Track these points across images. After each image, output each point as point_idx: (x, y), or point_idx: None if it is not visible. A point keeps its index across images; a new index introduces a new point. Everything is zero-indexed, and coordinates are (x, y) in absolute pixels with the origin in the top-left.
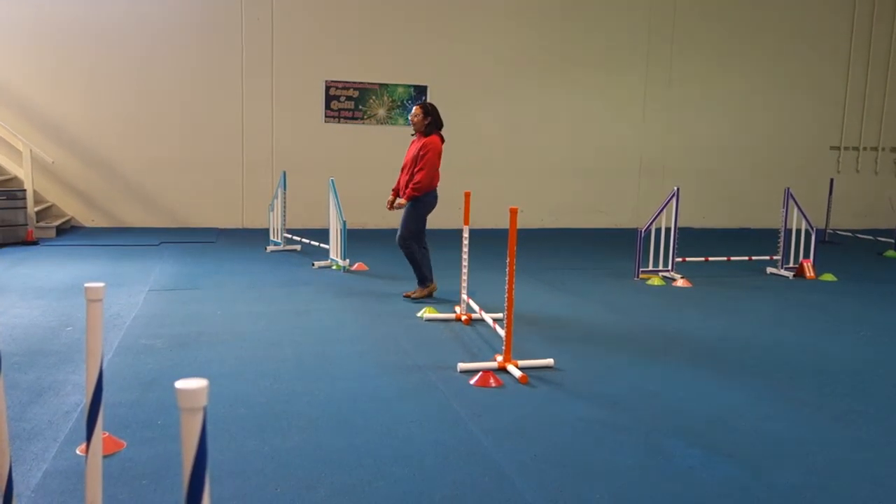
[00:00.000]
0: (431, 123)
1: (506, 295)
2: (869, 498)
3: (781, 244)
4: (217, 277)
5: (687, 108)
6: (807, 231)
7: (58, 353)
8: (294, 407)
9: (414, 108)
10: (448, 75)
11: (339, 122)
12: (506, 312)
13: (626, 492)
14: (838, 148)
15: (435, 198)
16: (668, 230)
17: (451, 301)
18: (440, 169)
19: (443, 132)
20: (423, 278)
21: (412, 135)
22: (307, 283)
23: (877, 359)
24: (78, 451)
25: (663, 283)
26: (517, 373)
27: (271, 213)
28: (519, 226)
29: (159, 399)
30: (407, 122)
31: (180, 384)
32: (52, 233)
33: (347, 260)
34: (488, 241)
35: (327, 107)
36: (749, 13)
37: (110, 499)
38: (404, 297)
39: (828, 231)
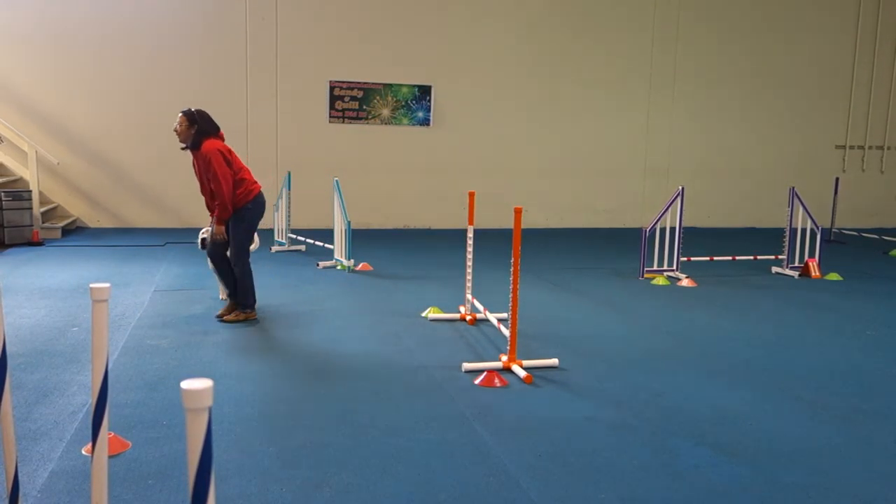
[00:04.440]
0: (200, 131)
1: (510, 295)
2: (875, 497)
3: (787, 243)
4: None
5: (691, 107)
6: (812, 230)
7: (63, 354)
8: (299, 406)
9: (179, 116)
10: (452, 75)
11: (343, 122)
12: (510, 312)
13: (631, 491)
14: (843, 147)
15: (258, 204)
16: (672, 230)
17: (455, 301)
18: (249, 165)
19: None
20: (247, 302)
21: (182, 147)
22: (312, 283)
23: (883, 358)
24: (83, 452)
25: (668, 282)
26: (522, 373)
27: (276, 214)
28: (523, 226)
29: (165, 399)
30: (411, 122)
31: (185, 384)
32: (58, 233)
33: (352, 260)
34: (493, 241)
35: (331, 107)
36: (752, 11)
37: (116, 499)
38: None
39: (833, 230)
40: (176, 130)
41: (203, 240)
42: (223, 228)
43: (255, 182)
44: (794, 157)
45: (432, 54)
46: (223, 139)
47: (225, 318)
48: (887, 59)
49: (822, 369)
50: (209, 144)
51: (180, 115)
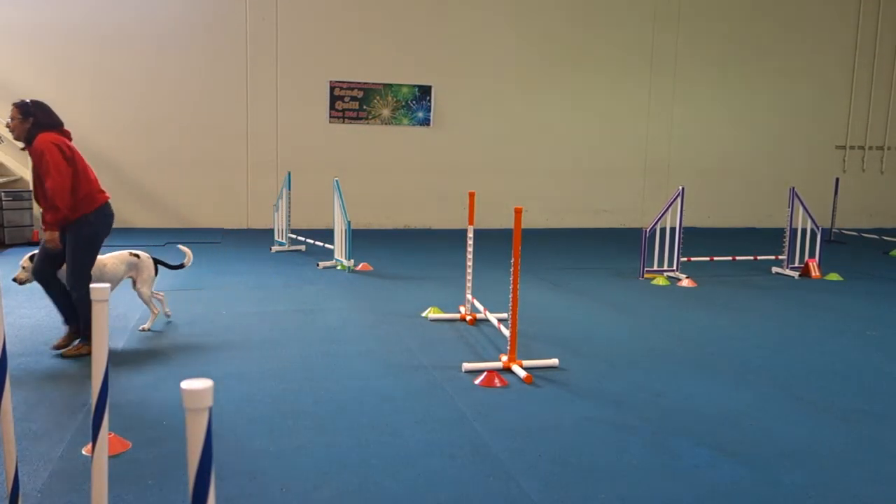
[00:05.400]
0: (37, 124)
1: (510, 295)
2: (876, 498)
3: (787, 243)
4: (222, 278)
5: (692, 107)
6: (812, 230)
7: None
8: (300, 407)
9: (11, 108)
10: (452, 75)
11: (343, 122)
12: (510, 312)
13: (631, 491)
14: (844, 147)
15: (102, 216)
16: (672, 230)
17: (455, 301)
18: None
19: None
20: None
21: (22, 148)
22: (312, 283)
23: (883, 358)
24: (84, 452)
25: (668, 282)
26: (522, 373)
27: (276, 214)
28: (523, 226)
29: (165, 399)
30: (411, 122)
31: (186, 384)
32: None
33: (352, 260)
34: (493, 241)
35: (332, 107)
36: (753, 12)
37: (116, 499)
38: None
39: (833, 230)
40: (8, 126)
41: (25, 265)
42: (56, 236)
43: (103, 191)
44: (794, 157)
45: (432, 54)
46: (69, 136)
47: (65, 352)
48: (887, 59)
49: (822, 369)
50: (43, 137)
51: (12, 107)
